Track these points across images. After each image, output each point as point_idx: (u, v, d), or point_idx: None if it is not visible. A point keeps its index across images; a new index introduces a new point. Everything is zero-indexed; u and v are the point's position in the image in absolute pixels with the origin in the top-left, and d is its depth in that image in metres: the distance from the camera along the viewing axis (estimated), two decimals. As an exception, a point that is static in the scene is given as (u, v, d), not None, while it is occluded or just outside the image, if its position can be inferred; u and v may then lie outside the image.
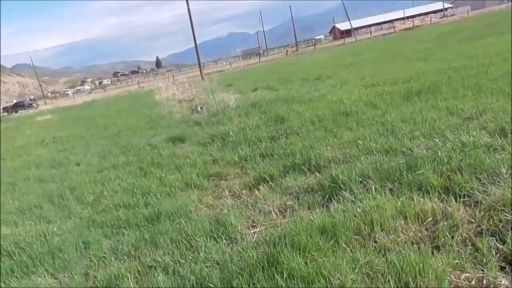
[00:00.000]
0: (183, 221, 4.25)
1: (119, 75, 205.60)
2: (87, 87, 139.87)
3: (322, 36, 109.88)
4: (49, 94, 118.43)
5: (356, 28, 79.35)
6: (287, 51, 76.92)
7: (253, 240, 3.58)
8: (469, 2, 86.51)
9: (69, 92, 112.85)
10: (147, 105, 21.44)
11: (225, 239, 3.72)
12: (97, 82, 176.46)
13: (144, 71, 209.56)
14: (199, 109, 13.46)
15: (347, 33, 78.95)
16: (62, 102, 62.38)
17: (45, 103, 68.43)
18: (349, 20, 75.09)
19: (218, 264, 3.29)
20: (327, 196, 4.20)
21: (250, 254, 3.22)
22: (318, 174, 4.91)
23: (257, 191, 4.86)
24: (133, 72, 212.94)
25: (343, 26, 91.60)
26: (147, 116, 15.84)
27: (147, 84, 57.77)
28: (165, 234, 4.07)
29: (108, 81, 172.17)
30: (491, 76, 8.78)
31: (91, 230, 4.76)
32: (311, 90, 12.91)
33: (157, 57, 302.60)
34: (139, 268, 3.54)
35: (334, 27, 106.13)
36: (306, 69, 23.53)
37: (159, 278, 3.23)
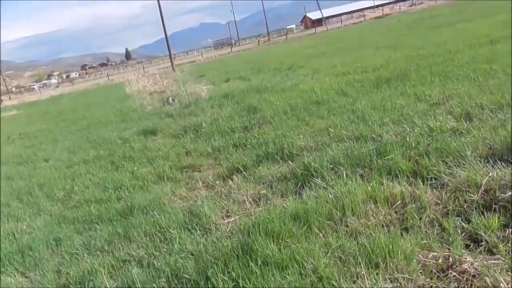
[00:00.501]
0: (156, 214, 4.21)
1: (87, 67, 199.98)
2: (54, 80, 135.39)
3: (293, 26, 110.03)
4: (13, 89, 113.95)
5: (327, 17, 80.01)
6: (258, 41, 76.64)
7: (227, 230, 3.59)
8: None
9: (35, 87, 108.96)
10: (117, 98, 20.98)
11: (199, 230, 3.71)
12: (64, 76, 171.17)
13: (114, 63, 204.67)
14: (171, 101, 13.28)
15: (318, 22, 79.33)
16: (28, 97, 60.13)
17: (10, 98, 65.86)
18: (320, 9, 75.51)
19: (192, 254, 3.28)
20: (300, 183, 4.25)
21: (225, 244, 3.23)
22: (291, 163, 4.96)
23: (231, 181, 4.87)
24: (102, 65, 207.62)
25: (314, 15, 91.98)
26: (117, 109, 15.50)
27: (116, 77, 56.47)
28: (138, 228, 4.02)
29: (76, 74, 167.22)
30: (457, 62, 9.05)
31: (62, 226, 4.65)
32: (283, 80, 12.95)
33: (126, 49, 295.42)
34: (113, 263, 3.49)
35: (305, 16, 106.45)
36: (278, 59, 23.54)
37: (133, 271, 3.20)
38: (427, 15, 36.85)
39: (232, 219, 3.86)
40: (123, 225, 4.23)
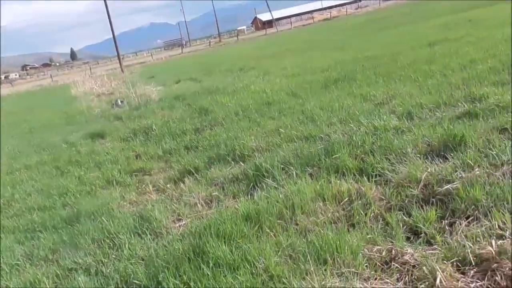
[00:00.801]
0: (105, 220, 4.07)
1: (28, 68, 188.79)
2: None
3: (244, 27, 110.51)
4: None
5: (278, 19, 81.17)
6: (210, 42, 76.19)
7: (178, 233, 3.55)
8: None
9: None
10: (62, 100, 20.03)
11: (150, 234, 3.64)
12: (2, 76, 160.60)
13: (58, 64, 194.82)
14: (120, 103, 12.89)
15: (269, 23, 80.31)
16: (-39, 100, 55.75)
17: None
18: (270, 11, 76.46)
19: (143, 260, 3.22)
20: (251, 184, 4.29)
21: (176, 247, 3.19)
22: (242, 164, 4.99)
23: (182, 184, 4.82)
24: (44, 65, 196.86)
25: (264, 17, 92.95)
26: (63, 112, 14.80)
27: (61, 78, 53.77)
28: (86, 235, 3.87)
29: (16, 75, 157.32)
30: (400, 64, 9.52)
31: (1, 237, 4.37)
32: (235, 81, 12.99)
33: (71, 49, 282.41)
34: (58, 272, 3.34)
35: (255, 18, 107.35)
36: (230, 60, 23.58)
37: (80, 279, 3.08)
38: (373, 17, 38.47)
39: (184, 222, 3.83)
40: (69, 232, 4.05)
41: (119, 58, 43.84)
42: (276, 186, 4.01)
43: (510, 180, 3.16)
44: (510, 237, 2.49)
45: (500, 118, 4.47)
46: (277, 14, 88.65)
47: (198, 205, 4.11)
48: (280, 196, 3.69)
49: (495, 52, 8.20)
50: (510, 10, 15.69)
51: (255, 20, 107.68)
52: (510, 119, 4.31)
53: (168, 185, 4.94)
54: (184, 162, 5.56)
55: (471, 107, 5.10)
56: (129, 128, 8.70)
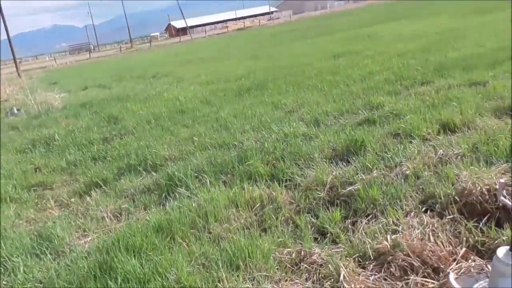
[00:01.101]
0: (-5, 242, 3.64)
1: None
2: None
3: (157, 33, 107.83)
4: None
5: (192, 27, 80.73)
6: (120, 47, 73.06)
7: (84, 250, 3.31)
8: (291, 6, 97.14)
9: None
10: None
11: (50, 254, 3.34)
12: None
13: None
14: (16, 111, 11.75)
15: (183, 31, 79.50)
16: None
17: None
18: (184, 19, 75.83)
19: (41, 283, 2.93)
20: (164, 194, 4.18)
21: (81, 265, 2.97)
22: (154, 174, 4.83)
23: (88, 198, 4.51)
24: None
25: (178, 24, 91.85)
26: None
27: None
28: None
29: None
30: (308, 74, 10.06)
31: None
32: (147, 88, 12.62)
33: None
34: None
35: (169, 24, 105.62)
36: (142, 67, 22.84)
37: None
38: (284, 29, 40.17)
39: (90, 238, 3.58)
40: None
41: (15, 62, 39.90)
42: (190, 195, 3.95)
43: (402, 180, 3.50)
44: (403, 231, 2.74)
45: (394, 124, 4.93)
46: (191, 22, 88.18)
47: (106, 219, 3.88)
48: (193, 205, 3.63)
49: (390, 65, 9.07)
50: (402, 28, 17.53)
51: (169, 27, 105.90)
52: (402, 125, 4.76)
53: (72, 199, 4.58)
54: (91, 174, 5.22)
55: (370, 115, 5.57)
56: (27, 139, 7.95)
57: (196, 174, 4.43)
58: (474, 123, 4.56)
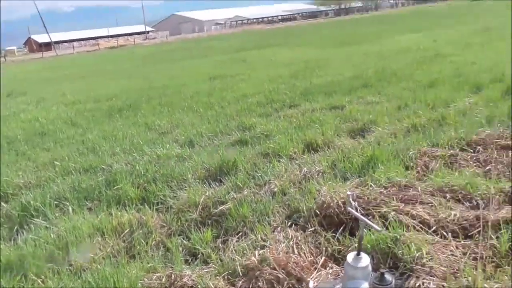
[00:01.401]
0: None
1: None
2: None
3: (15, 47, 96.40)
4: None
5: (57, 42, 74.20)
6: (-33, 60, 63.18)
7: None
8: (168, 27, 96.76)
9: None
10: None
11: None
12: None
13: None
14: None
15: (47, 46, 72.58)
16: None
17: None
18: (48, 33, 69.53)
19: None
20: (16, 227, 3.68)
21: None
22: (5, 205, 4.23)
23: None
24: None
25: (41, 38, 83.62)
26: None
27: None
28: None
29: None
30: (183, 95, 10.07)
31: None
32: None
33: None
34: None
35: (30, 38, 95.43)
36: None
37: None
38: (160, 49, 39.65)
39: None
40: None
41: None
42: (48, 225, 3.56)
43: (271, 197, 3.70)
44: (270, 246, 2.88)
45: (264, 144, 5.22)
46: (56, 36, 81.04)
47: None
48: (52, 236, 3.28)
49: (262, 89, 9.63)
50: (273, 55, 18.86)
51: (29, 41, 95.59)
52: (272, 145, 5.07)
53: None
54: None
55: (242, 135, 5.80)
56: None
57: (56, 202, 4.02)
58: (333, 143, 5.09)
